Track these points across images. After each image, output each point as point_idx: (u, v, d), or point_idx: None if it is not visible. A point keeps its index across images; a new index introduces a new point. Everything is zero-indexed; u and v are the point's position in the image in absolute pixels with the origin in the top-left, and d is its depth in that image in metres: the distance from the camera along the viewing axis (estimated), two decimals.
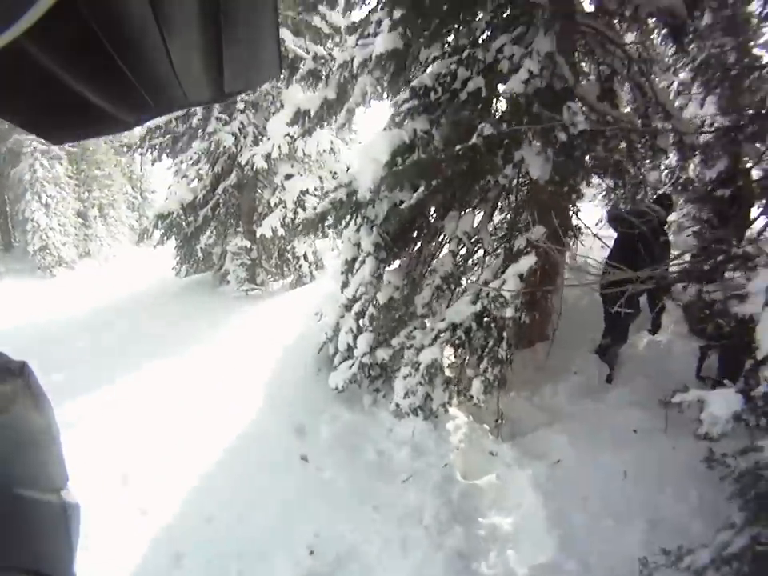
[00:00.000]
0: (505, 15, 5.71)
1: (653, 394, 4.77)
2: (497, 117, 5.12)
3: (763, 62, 8.85)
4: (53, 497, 0.57)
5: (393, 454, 5.13)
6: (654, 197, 6.50)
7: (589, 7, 6.48)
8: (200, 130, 11.97)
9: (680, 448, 4.24)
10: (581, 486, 4.38)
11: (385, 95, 6.36)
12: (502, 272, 5.04)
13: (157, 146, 12.39)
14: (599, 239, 6.37)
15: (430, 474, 4.82)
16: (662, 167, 9.34)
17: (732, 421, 2.82)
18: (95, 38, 0.35)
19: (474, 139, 4.83)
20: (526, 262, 4.83)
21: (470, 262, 6.28)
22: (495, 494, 4.61)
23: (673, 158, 8.96)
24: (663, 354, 6.03)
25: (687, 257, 4.57)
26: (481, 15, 5.67)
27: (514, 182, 5.55)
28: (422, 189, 5.38)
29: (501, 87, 5.50)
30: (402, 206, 5.44)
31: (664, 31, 6.74)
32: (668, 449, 4.38)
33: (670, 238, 5.99)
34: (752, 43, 9.83)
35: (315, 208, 6.12)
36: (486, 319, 5.09)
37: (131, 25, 0.36)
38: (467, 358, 5.52)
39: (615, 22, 6.70)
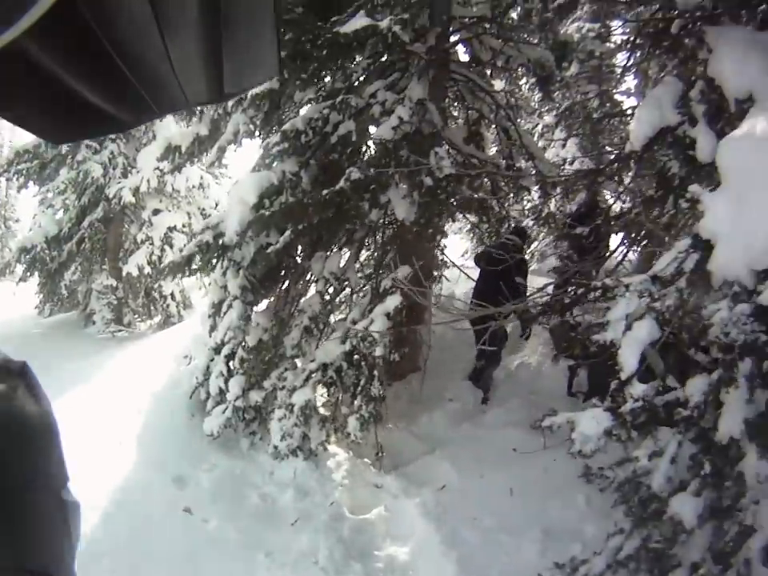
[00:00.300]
0: (381, 61, 5.87)
1: (528, 413, 5.01)
2: (365, 160, 5.25)
3: (624, 108, 9.70)
4: (53, 496, 0.58)
5: (277, 497, 4.98)
6: (512, 228, 6.93)
7: (463, 57, 6.88)
8: (69, 157, 11.29)
9: (560, 461, 4.33)
10: (470, 507, 4.48)
11: (257, 134, 6.29)
12: (370, 311, 5.13)
13: (24, 172, 11.44)
14: (463, 272, 6.75)
15: (318, 513, 4.72)
16: (526, 203, 9.94)
17: (603, 437, 2.98)
18: (95, 38, 0.35)
19: (341, 183, 4.92)
20: (392, 302, 4.97)
21: (337, 300, 6.32)
22: (386, 526, 4.58)
23: (536, 195, 9.56)
24: (534, 374, 6.39)
25: (550, 289, 4.95)
26: (358, 60, 5.83)
27: (381, 221, 5.70)
28: (288, 231, 5.39)
29: (373, 129, 5.65)
30: (269, 250, 5.40)
31: (533, 80, 7.15)
32: (549, 463, 4.55)
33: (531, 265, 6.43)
34: (614, 91, 10.79)
35: (182, 250, 6.00)
36: (356, 357, 5.15)
37: (131, 25, 0.36)
38: (341, 396, 5.50)
39: (487, 71, 7.12)
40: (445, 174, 4.93)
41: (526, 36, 6.29)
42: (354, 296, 6.12)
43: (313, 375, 5.05)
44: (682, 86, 3.55)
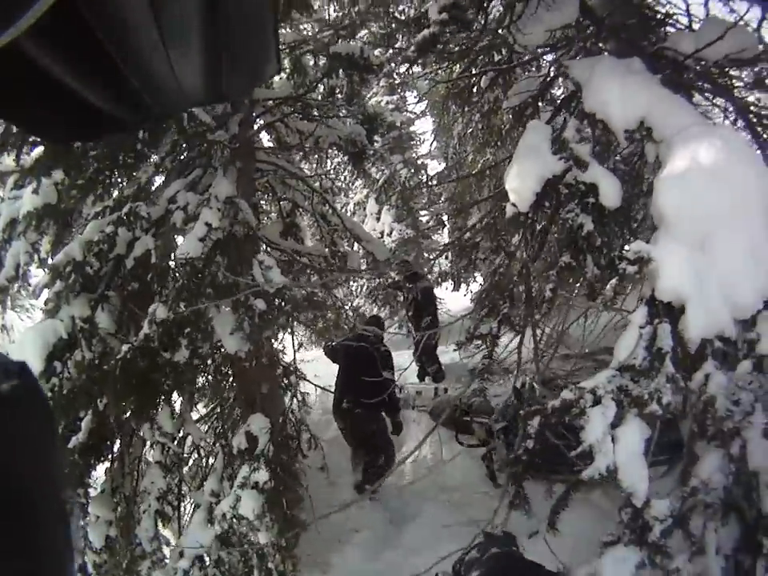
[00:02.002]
0: (180, 158, 4.96)
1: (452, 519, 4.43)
2: (174, 289, 4.11)
3: (429, 173, 9.83)
4: (53, 498, 0.56)
5: None
6: (368, 318, 6.57)
7: (268, 143, 6.34)
8: None
9: None
10: None
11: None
12: (229, 477, 4.14)
13: None
14: (319, 386, 5.84)
15: None
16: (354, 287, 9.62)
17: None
18: (94, 39, 0.36)
19: (145, 328, 3.80)
20: (260, 477, 3.93)
21: (186, 468, 4.97)
22: None
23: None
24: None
25: None
26: (153, 159, 4.82)
27: (211, 358, 4.58)
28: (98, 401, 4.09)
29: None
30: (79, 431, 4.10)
31: (345, 158, 6.64)
32: None
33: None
34: (417, 157, 10.95)
35: None
36: (235, 539, 3.96)
37: (130, 25, 0.37)
38: None
39: (296, 156, 6.63)
40: (276, 287, 4.02)
41: (332, 114, 5.73)
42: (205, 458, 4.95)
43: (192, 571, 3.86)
44: (550, 129, 3.09)
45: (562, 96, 4.03)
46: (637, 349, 2.29)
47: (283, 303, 4.23)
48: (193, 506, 4.55)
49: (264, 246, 5.06)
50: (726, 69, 3.18)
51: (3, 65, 0.35)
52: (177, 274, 4.18)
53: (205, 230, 4.00)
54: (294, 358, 5.12)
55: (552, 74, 5.74)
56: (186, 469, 4.88)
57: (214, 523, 3.91)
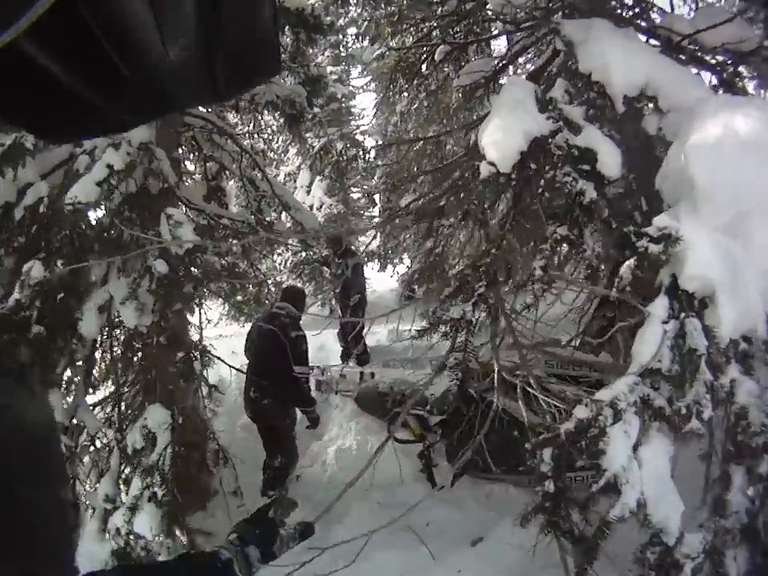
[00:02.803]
0: None
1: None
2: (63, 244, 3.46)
3: (365, 147, 9.42)
4: (53, 496, 0.58)
5: None
6: (283, 290, 5.60)
7: None
8: None
9: None
10: None
11: None
12: (126, 481, 3.57)
13: None
14: (233, 368, 5.30)
15: None
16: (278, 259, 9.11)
17: None
18: (94, 39, 0.36)
19: (15, 293, 3.20)
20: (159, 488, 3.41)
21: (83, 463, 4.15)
22: None
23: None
24: (359, 463, 5.07)
25: None
26: None
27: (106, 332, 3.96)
28: None
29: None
30: None
31: (281, 120, 6.09)
32: None
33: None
34: (354, 132, 10.46)
35: None
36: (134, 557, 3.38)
37: (130, 25, 0.36)
38: None
39: (228, 114, 6.24)
40: (186, 248, 3.48)
41: None
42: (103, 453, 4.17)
43: None
44: (533, 86, 2.71)
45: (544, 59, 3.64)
46: (662, 349, 1.91)
47: (192, 268, 3.67)
48: (88, 509, 3.86)
49: (183, 208, 4.48)
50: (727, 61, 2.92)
51: (3, 64, 0.35)
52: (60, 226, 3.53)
53: (105, 173, 3.36)
54: (201, 336, 4.50)
55: (515, 50, 5.50)
56: (81, 465, 4.12)
57: (107, 535, 3.40)
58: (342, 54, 12.26)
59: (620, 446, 1.83)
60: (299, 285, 6.92)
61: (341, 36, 11.90)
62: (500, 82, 5.07)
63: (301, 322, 4.84)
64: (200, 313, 4.68)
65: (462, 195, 3.60)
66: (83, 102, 0.40)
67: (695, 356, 1.87)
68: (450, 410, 4.36)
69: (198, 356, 4.18)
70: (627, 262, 2.06)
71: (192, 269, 3.71)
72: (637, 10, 3.32)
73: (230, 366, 5.14)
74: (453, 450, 4.25)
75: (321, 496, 4.65)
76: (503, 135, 2.40)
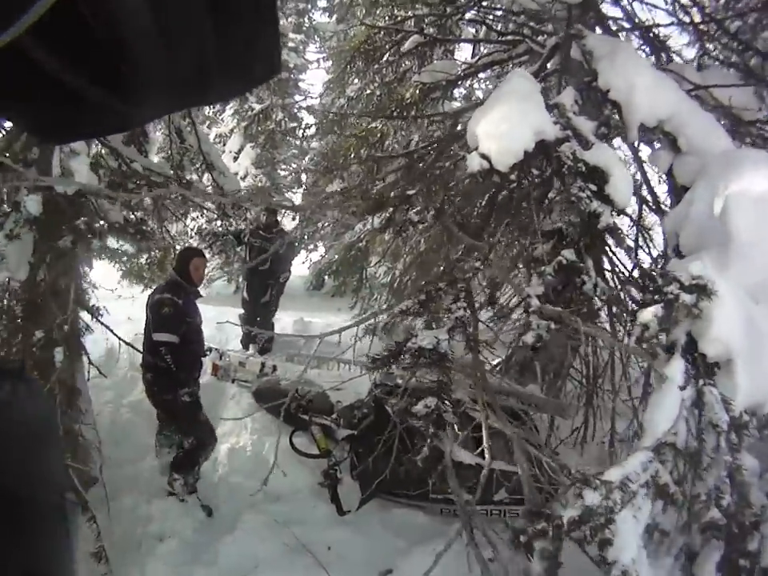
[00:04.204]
0: None
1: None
2: None
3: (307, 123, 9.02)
4: (53, 496, 0.57)
5: None
6: (177, 253, 4.90)
7: None
8: None
9: None
10: None
11: None
12: None
13: None
14: (120, 338, 4.67)
15: None
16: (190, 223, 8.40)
17: None
18: (95, 38, 0.36)
19: None
20: None
21: None
22: None
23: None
24: (257, 469, 4.44)
25: None
26: None
27: None
28: None
29: None
30: None
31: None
32: None
33: None
34: (298, 105, 9.93)
35: None
36: None
37: (130, 25, 0.36)
38: None
39: None
40: (75, 189, 2.94)
41: None
42: None
43: None
44: (539, 85, 2.47)
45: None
46: (678, 421, 1.61)
47: (79, 215, 3.08)
48: None
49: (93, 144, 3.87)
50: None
51: (4, 64, 0.35)
52: None
53: None
54: (78, 298, 3.89)
55: (484, 61, 5.30)
56: None
57: None
58: (305, 25, 11.63)
59: (629, 534, 1.56)
60: (196, 247, 6.06)
61: (309, 5, 11.34)
62: (457, 89, 4.95)
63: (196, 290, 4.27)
64: (81, 267, 4.12)
65: (432, 188, 3.22)
66: (84, 102, 0.40)
67: (715, 431, 1.65)
68: (360, 425, 3.96)
69: (81, 321, 3.58)
70: (651, 309, 1.77)
71: (77, 214, 3.08)
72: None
73: (117, 337, 4.51)
74: (363, 471, 3.82)
75: (210, 496, 4.17)
76: (509, 127, 2.07)
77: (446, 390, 2.34)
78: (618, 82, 2.28)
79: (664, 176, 2.56)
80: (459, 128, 4.62)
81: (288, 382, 4.64)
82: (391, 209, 2.94)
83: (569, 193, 2.09)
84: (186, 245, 8.93)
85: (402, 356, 2.25)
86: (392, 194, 3.37)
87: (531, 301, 1.98)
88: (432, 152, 4.60)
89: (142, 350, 4.14)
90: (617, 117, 2.45)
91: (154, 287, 4.44)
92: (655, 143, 2.40)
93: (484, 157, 2.12)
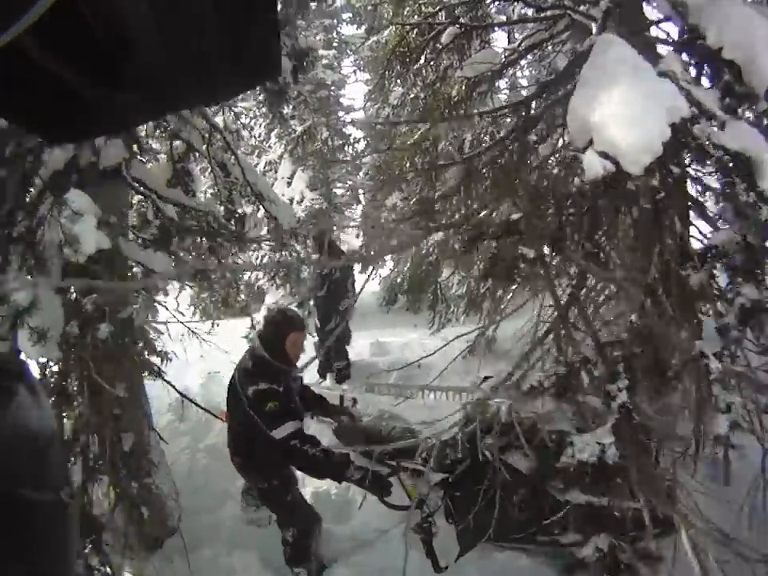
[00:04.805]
0: None
1: None
2: None
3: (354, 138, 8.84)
4: (53, 496, 0.56)
5: None
6: (264, 318, 4.25)
7: None
8: None
9: None
10: None
11: None
12: None
13: None
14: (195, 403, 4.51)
15: None
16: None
17: None
18: (95, 38, 0.36)
19: None
20: None
21: None
22: None
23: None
24: None
25: None
26: None
27: None
28: None
29: None
30: None
31: (261, 96, 5.40)
32: None
33: None
34: (342, 121, 9.77)
35: None
36: None
37: (131, 26, 0.37)
38: None
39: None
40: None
41: None
42: None
43: None
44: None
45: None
46: None
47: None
48: None
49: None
50: None
51: (4, 64, 0.35)
52: None
53: None
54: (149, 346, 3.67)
55: (526, 44, 4.92)
56: None
57: None
58: (335, 40, 11.50)
59: None
60: (287, 309, 5.18)
61: (335, 21, 11.20)
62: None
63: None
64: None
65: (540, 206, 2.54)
66: (84, 102, 0.40)
67: None
68: (454, 467, 3.46)
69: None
70: None
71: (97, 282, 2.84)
72: None
73: (189, 400, 4.28)
74: (462, 529, 3.33)
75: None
76: (639, 111, 1.49)
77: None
78: (733, 35, 1.78)
79: None
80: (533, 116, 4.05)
81: (370, 418, 4.30)
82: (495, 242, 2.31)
83: (726, 194, 1.56)
84: (257, 281, 8.88)
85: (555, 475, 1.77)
86: (494, 221, 2.70)
87: (710, 365, 1.45)
88: (506, 149, 4.10)
89: (204, 408, 3.81)
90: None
91: (243, 357, 3.53)
92: None
93: (607, 156, 1.57)
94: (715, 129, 1.56)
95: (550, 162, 4.35)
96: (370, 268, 11.16)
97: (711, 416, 1.54)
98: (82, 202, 2.74)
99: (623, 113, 1.55)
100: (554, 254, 1.81)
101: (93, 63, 0.38)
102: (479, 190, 4.55)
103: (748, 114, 1.99)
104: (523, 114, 3.99)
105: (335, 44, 11.39)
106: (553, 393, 1.66)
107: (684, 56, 1.98)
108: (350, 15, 11.01)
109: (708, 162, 1.55)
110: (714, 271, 1.67)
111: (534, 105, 4.10)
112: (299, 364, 3.54)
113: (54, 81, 0.38)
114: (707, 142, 1.54)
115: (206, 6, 0.39)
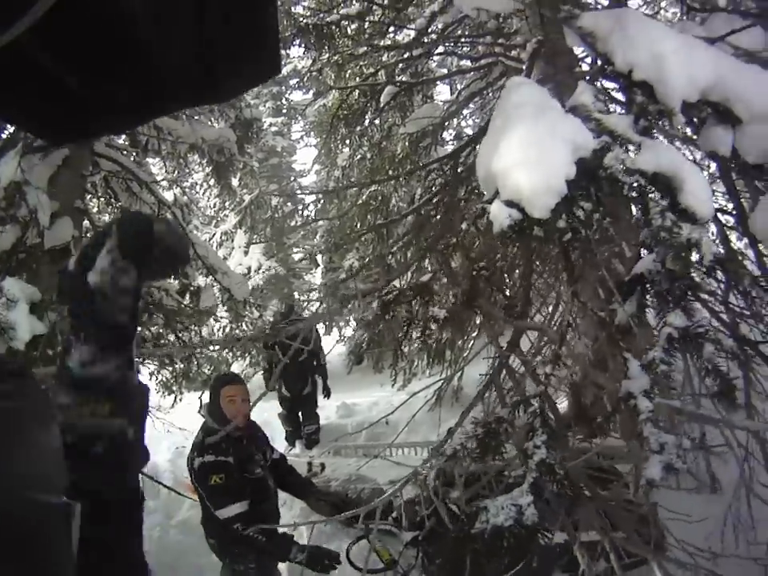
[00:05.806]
0: None
1: None
2: None
3: (305, 202, 8.98)
4: (53, 497, 0.55)
5: None
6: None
7: (111, 140, 4.85)
8: None
9: None
10: None
11: None
12: None
13: None
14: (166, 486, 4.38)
15: None
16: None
17: None
18: (95, 38, 0.36)
19: None
20: None
21: None
22: None
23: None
24: None
25: None
26: None
27: None
28: None
29: None
30: None
31: (208, 168, 5.49)
32: None
33: None
34: (297, 187, 9.88)
35: None
36: None
37: (131, 26, 0.37)
38: None
39: (149, 160, 5.69)
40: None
41: (200, 111, 4.61)
42: None
43: None
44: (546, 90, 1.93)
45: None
46: None
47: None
48: None
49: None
50: None
51: (4, 64, 0.35)
52: None
53: None
54: None
55: (464, 95, 5.10)
56: None
57: None
58: (284, 107, 11.74)
59: None
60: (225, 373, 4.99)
61: (283, 87, 11.45)
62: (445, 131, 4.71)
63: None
64: None
65: (451, 263, 2.56)
66: (84, 102, 0.41)
67: None
68: (424, 523, 3.36)
69: None
70: None
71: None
72: None
73: (155, 481, 4.07)
74: (437, 570, 3.23)
75: None
76: (539, 151, 1.51)
77: None
78: (640, 56, 1.83)
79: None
80: (460, 170, 4.20)
81: (338, 482, 4.22)
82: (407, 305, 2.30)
83: (645, 220, 1.56)
84: (214, 353, 8.73)
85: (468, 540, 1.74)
86: (405, 285, 2.67)
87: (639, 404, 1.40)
88: (438, 205, 4.21)
89: (169, 487, 3.63)
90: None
91: (194, 436, 3.23)
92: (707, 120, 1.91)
93: (511, 204, 1.56)
94: (632, 154, 1.60)
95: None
96: (334, 328, 11.17)
97: (644, 458, 1.51)
98: (15, 290, 2.66)
99: (524, 157, 1.57)
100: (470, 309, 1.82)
101: (93, 63, 0.39)
102: (404, 251, 4.65)
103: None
104: (449, 168, 4.11)
105: (284, 110, 11.62)
106: (475, 455, 1.64)
107: (598, 84, 2.06)
108: (297, 80, 11.30)
109: (624, 190, 1.57)
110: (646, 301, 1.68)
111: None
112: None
113: (55, 81, 0.39)
114: (621, 169, 1.56)
115: (207, 5, 0.40)
